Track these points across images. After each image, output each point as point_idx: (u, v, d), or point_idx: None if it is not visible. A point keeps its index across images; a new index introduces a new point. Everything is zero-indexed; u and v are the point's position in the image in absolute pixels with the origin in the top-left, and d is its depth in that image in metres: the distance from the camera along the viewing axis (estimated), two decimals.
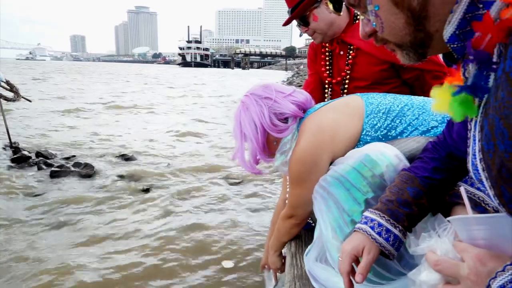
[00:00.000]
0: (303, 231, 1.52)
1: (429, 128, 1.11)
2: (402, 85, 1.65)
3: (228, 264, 2.44)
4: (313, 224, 1.57)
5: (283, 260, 1.53)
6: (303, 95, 1.30)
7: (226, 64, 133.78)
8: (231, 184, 4.11)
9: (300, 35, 1.78)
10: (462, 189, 0.62)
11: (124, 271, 2.30)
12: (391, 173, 0.98)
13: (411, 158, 1.00)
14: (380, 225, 0.83)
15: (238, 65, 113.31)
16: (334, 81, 1.75)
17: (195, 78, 31.71)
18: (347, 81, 1.69)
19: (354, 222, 1.00)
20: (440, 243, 0.60)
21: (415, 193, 0.85)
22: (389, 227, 0.83)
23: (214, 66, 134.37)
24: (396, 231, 0.83)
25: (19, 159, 4.54)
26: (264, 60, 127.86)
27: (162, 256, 2.50)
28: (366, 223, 0.85)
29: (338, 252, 1.09)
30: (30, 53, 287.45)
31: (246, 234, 2.85)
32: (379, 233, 0.83)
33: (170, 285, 2.19)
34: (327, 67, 1.79)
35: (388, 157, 1.00)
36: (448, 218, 0.59)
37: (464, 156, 0.63)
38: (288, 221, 1.34)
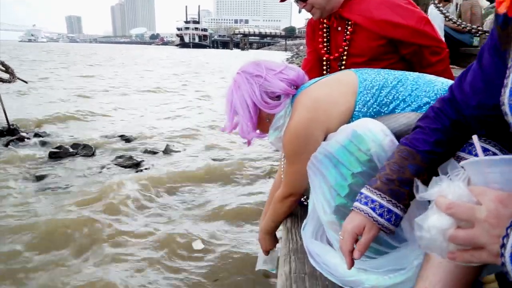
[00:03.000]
0: (297, 207, 1.53)
1: (422, 105, 1.11)
2: (400, 61, 1.63)
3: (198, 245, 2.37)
4: (305, 203, 1.58)
5: (278, 241, 1.54)
6: (294, 71, 1.28)
7: (225, 44, 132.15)
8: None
9: (299, 11, 1.75)
10: (474, 137, 0.60)
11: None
12: (377, 149, 0.98)
13: (400, 134, 0.99)
14: (381, 206, 0.83)
15: (237, 45, 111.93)
16: (331, 57, 1.72)
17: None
18: (344, 57, 1.66)
19: (340, 197, 1.01)
20: (452, 187, 0.56)
21: (416, 170, 0.83)
22: (391, 207, 0.82)
23: (213, 47, 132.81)
24: (397, 210, 0.83)
25: (18, 141, 4.55)
26: (263, 41, 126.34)
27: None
28: (366, 203, 0.84)
29: (329, 227, 1.11)
30: (32, 35, 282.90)
31: None
32: (380, 215, 0.83)
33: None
34: (325, 44, 1.76)
35: (374, 132, 0.99)
36: (462, 163, 0.57)
37: (472, 114, 0.62)
38: (287, 200, 1.34)
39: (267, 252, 1.58)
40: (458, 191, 0.55)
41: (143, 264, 2.20)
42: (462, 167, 0.57)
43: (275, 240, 1.55)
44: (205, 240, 2.42)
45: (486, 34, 2.18)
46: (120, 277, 2.05)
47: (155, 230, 2.59)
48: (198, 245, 2.34)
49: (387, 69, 1.26)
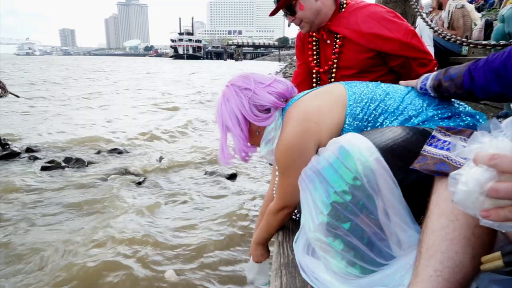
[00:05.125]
0: (289, 221, 1.53)
1: (408, 117, 1.12)
2: (389, 73, 1.65)
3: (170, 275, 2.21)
4: (294, 217, 1.57)
5: (269, 253, 1.53)
6: (283, 85, 1.29)
7: (219, 55, 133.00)
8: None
9: (289, 25, 1.77)
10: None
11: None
12: (362, 166, 0.97)
13: (387, 149, 1.00)
14: None
15: (231, 56, 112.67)
16: (321, 70, 1.74)
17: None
18: (334, 70, 1.68)
19: (323, 214, 1.01)
20: (495, 142, 0.54)
21: None
22: None
23: (207, 58, 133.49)
24: None
25: (9, 156, 4.51)
26: (257, 51, 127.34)
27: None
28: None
29: (314, 244, 1.09)
30: (30, 48, 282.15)
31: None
32: None
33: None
34: (315, 57, 1.78)
35: (360, 150, 0.98)
36: (506, 121, 0.56)
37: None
38: (281, 213, 1.33)
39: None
40: (501, 145, 0.53)
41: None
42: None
43: (267, 252, 1.54)
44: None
45: (471, 45, 2.22)
46: None
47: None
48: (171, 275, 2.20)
49: (375, 82, 1.27)
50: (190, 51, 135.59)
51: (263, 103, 1.23)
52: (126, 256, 2.37)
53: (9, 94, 4.79)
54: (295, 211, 1.52)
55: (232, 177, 4.05)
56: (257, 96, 1.23)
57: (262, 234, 1.46)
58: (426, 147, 0.87)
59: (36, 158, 4.48)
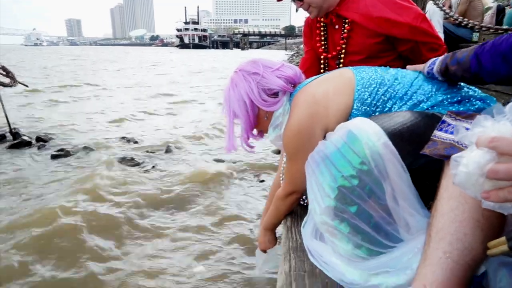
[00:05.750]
0: (297, 206, 1.53)
1: (417, 102, 1.11)
2: (398, 58, 1.64)
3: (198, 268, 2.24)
4: (302, 203, 1.58)
5: (277, 240, 1.54)
6: (291, 70, 1.29)
7: (224, 45, 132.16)
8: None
9: (296, 10, 1.76)
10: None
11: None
12: (370, 151, 0.97)
13: (395, 133, 0.99)
14: None
15: (237, 45, 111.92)
16: (329, 55, 1.73)
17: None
18: (342, 55, 1.67)
19: (330, 198, 1.01)
20: (497, 126, 0.55)
21: None
22: None
23: (213, 47, 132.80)
24: None
25: (19, 145, 4.57)
26: (263, 40, 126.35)
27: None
28: None
29: (321, 228, 1.10)
30: (37, 39, 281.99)
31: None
32: None
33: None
34: (323, 42, 1.77)
35: (368, 134, 0.98)
36: (508, 106, 0.57)
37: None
38: (289, 198, 1.34)
39: (265, 251, 1.58)
40: (503, 128, 0.54)
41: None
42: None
43: (275, 238, 1.56)
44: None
45: (483, 30, 2.18)
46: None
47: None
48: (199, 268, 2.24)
49: (384, 67, 1.26)
50: (196, 41, 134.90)
51: (271, 87, 1.23)
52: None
53: (18, 83, 4.84)
54: (303, 196, 1.53)
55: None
56: (266, 80, 1.23)
57: (270, 220, 1.47)
58: (436, 132, 0.87)
59: (45, 147, 4.54)
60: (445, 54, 1.12)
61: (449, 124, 0.86)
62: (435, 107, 1.09)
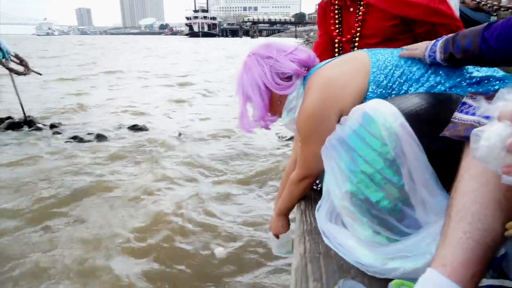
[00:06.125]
0: (311, 191, 1.54)
1: (434, 84, 1.08)
2: (414, 41, 1.60)
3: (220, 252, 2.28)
4: (315, 187, 1.58)
5: (290, 225, 1.55)
6: (305, 53, 1.27)
7: (234, 33, 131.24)
8: None
9: None
10: None
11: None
12: (387, 132, 0.95)
13: (412, 115, 0.98)
14: None
15: (246, 33, 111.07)
16: (344, 39, 1.70)
17: None
18: (357, 38, 1.64)
19: (352, 183, 1.00)
20: None
21: None
22: None
23: (222, 36, 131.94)
24: None
25: (34, 132, 4.65)
26: (273, 28, 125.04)
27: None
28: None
29: (341, 211, 1.10)
30: (49, 29, 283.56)
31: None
32: None
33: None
34: (337, 25, 1.73)
35: (385, 115, 0.97)
36: None
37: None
38: (303, 182, 1.34)
39: (277, 236, 1.59)
40: None
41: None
42: None
43: (288, 223, 1.56)
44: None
45: (503, 10, 2.12)
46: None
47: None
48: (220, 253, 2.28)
49: (400, 49, 1.24)
50: (205, 29, 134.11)
51: (285, 70, 1.22)
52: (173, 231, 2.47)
53: (32, 72, 4.89)
54: (317, 181, 1.53)
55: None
56: (279, 64, 1.22)
57: (284, 204, 1.48)
58: (457, 114, 0.85)
59: (59, 134, 4.61)
60: (441, 39, 1.07)
61: (469, 106, 0.84)
62: (452, 89, 1.06)
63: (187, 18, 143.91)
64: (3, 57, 4.44)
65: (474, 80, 1.06)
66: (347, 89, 1.15)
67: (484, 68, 1.10)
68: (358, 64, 1.19)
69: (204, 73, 12.06)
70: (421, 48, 1.13)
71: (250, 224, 2.56)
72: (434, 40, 1.10)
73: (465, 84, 1.06)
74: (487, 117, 0.70)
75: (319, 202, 1.27)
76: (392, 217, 0.98)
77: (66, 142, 4.33)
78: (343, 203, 1.06)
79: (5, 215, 2.59)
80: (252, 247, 2.27)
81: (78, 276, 1.99)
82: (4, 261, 2.07)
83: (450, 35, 1.06)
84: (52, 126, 4.91)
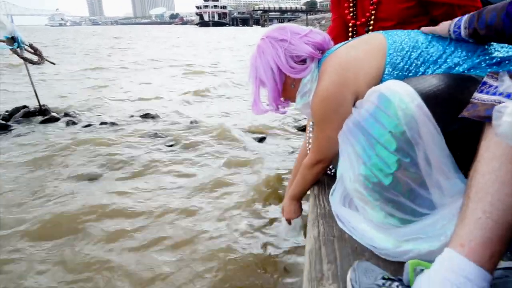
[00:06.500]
0: (324, 176, 1.53)
1: (452, 66, 1.06)
2: (430, 24, 1.56)
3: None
4: (329, 172, 1.58)
5: (302, 210, 1.55)
6: (320, 36, 1.25)
7: (244, 22, 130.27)
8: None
9: None
10: None
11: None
12: (403, 113, 0.94)
13: (430, 95, 0.96)
14: None
15: (257, 22, 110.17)
16: (358, 22, 1.67)
17: None
18: (371, 22, 1.61)
19: (366, 166, 1.00)
20: None
21: None
22: None
23: (233, 25, 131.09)
24: None
25: (49, 121, 4.72)
26: (284, 16, 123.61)
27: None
28: None
29: (353, 195, 1.10)
30: (62, 19, 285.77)
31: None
32: None
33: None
34: (351, 9, 1.70)
35: (401, 96, 0.95)
36: None
37: None
38: (316, 167, 1.33)
39: (289, 221, 1.59)
40: None
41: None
42: None
43: (300, 208, 1.57)
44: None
45: None
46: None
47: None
48: None
49: (416, 30, 1.21)
50: (216, 18, 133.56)
51: (299, 53, 1.21)
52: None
53: (45, 61, 4.95)
54: (330, 166, 1.52)
55: (262, 140, 4.09)
56: (293, 47, 1.21)
57: (296, 189, 1.48)
58: (477, 94, 0.83)
59: (74, 123, 4.67)
60: (468, 14, 1.05)
61: (490, 85, 0.82)
62: (472, 70, 1.04)
63: (197, 7, 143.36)
64: (17, 47, 4.49)
65: (494, 60, 1.04)
66: (362, 72, 1.13)
67: (504, 48, 1.07)
68: (374, 46, 1.17)
69: (230, 62, 11.99)
70: (444, 25, 1.10)
71: None
72: (460, 16, 1.09)
73: (484, 65, 1.03)
74: (509, 96, 0.68)
75: (333, 186, 1.27)
76: (406, 198, 0.98)
77: (82, 128, 4.42)
78: (355, 186, 1.06)
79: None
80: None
81: None
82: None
83: (476, 11, 1.04)
84: (66, 114, 4.98)
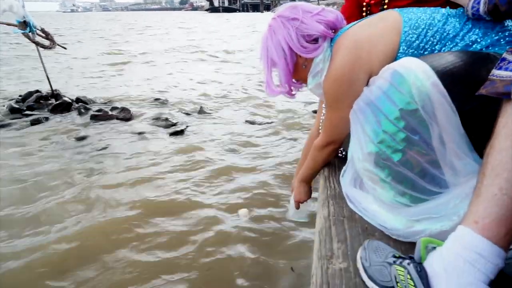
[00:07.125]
0: (335, 158, 1.52)
1: (469, 43, 1.03)
2: (447, 2, 1.51)
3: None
4: (340, 155, 1.56)
5: (311, 193, 1.55)
6: (332, 14, 1.22)
7: (255, 7, 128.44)
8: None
9: None
10: None
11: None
12: (417, 90, 0.92)
13: (446, 73, 0.93)
14: None
15: (267, 8, 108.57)
16: (372, 1, 1.63)
17: None
18: (386, 0, 1.57)
19: (373, 143, 0.99)
20: None
21: None
22: None
23: (243, 10, 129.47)
24: None
25: (61, 105, 4.77)
26: (295, 1, 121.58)
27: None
28: None
29: (362, 174, 1.09)
30: (74, 5, 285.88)
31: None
32: None
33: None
34: None
35: (416, 73, 0.93)
36: None
37: None
38: (326, 148, 1.31)
39: (298, 204, 1.59)
40: None
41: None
42: None
43: (310, 191, 1.55)
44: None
45: None
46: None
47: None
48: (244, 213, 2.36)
49: (433, 7, 1.17)
50: (226, 3, 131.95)
51: (311, 32, 1.18)
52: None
53: (57, 45, 4.97)
54: (341, 148, 1.51)
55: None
56: (305, 26, 1.18)
57: (307, 171, 1.47)
58: (495, 71, 0.80)
59: (86, 108, 4.72)
60: None
61: (509, 62, 0.79)
62: (490, 47, 1.01)
63: None
64: (30, 31, 4.51)
65: None
66: (376, 51, 1.11)
67: None
68: (388, 24, 1.14)
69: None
70: (469, 2, 1.07)
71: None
72: None
73: (503, 42, 1.00)
74: None
75: (344, 168, 1.26)
76: (416, 175, 0.96)
77: (91, 115, 4.45)
78: (364, 165, 1.04)
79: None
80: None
81: None
82: None
83: None
84: (78, 100, 5.02)
